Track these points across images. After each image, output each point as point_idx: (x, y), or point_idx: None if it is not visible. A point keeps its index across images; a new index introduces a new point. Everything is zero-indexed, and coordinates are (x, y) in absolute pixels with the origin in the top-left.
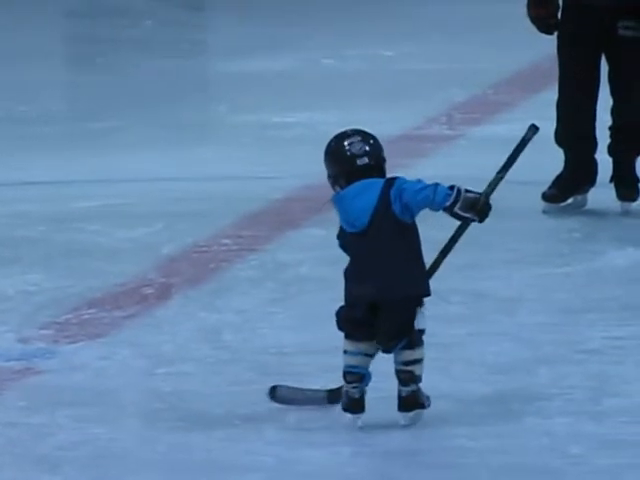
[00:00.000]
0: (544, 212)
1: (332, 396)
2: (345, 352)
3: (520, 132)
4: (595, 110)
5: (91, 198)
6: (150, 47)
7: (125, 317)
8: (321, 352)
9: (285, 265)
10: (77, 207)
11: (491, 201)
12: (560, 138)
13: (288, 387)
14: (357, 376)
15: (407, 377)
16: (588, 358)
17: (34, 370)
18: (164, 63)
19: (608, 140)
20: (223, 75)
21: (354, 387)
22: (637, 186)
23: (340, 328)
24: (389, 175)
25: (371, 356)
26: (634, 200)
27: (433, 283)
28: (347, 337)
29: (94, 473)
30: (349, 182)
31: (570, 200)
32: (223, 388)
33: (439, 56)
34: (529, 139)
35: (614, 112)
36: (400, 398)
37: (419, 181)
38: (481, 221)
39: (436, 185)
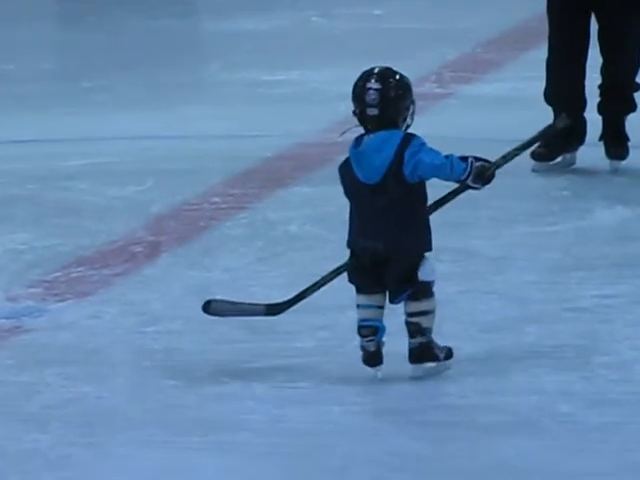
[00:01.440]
0: (533, 170)
1: (271, 309)
2: (358, 306)
3: (510, 91)
4: (585, 69)
5: (81, 156)
6: (141, 7)
7: (114, 275)
8: (310, 311)
9: (274, 223)
10: (67, 165)
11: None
12: (549, 97)
13: (224, 300)
14: (371, 329)
15: (414, 329)
16: (578, 316)
17: (22, 328)
18: (155, 23)
19: (598, 99)
20: (214, 34)
21: (369, 340)
22: (626, 144)
23: (350, 281)
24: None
25: (383, 308)
26: (623, 158)
27: None
28: (358, 291)
29: (82, 431)
30: (362, 125)
31: (559, 159)
32: (212, 346)
33: (429, 15)
34: (558, 128)
35: (604, 71)
36: (410, 350)
37: (437, 153)
38: (483, 187)
39: (451, 160)
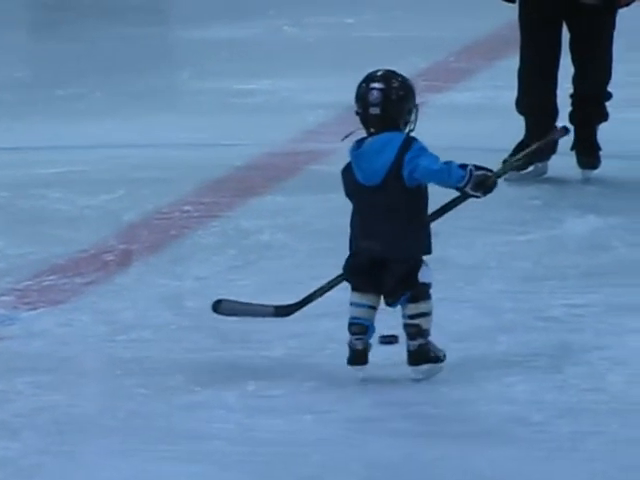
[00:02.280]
0: (505, 180)
1: (280, 311)
2: (351, 304)
3: (481, 100)
4: (556, 78)
5: (53, 165)
6: (113, 15)
7: (86, 284)
8: (282, 320)
9: (246, 232)
10: (39, 173)
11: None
12: (521, 106)
13: (234, 300)
14: (361, 327)
15: (414, 331)
16: (549, 326)
17: None
18: (127, 31)
19: (569, 108)
20: (186, 42)
21: (357, 339)
22: (598, 154)
23: (347, 279)
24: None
25: (375, 308)
26: (595, 168)
27: None
28: (353, 289)
29: (54, 439)
30: (364, 126)
31: (531, 168)
32: (183, 355)
33: (400, 24)
34: (557, 139)
35: (575, 80)
36: (409, 352)
37: (436, 158)
38: (484, 196)
39: (449, 166)
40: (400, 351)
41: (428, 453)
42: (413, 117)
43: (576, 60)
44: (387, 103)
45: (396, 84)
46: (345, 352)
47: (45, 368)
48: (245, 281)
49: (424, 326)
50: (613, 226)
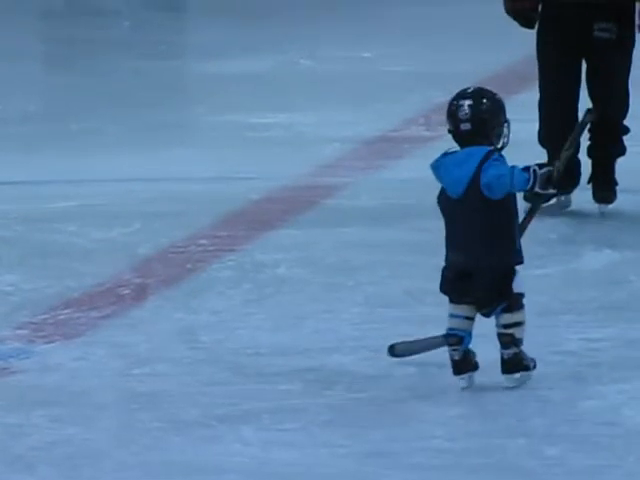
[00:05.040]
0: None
1: (449, 338)
2: (449, 315)
3: None
4: (577, 110)
5: (68, 198)
6: (128, 48)
7: (101, 317)
8: (297, 353)
9: (262, 266)
10: (54, 207)
11: None
12: (543, 138)
13: (404, 342)
14: (456, 338)
15: (507, 340)
16: (565, 360)
17: (9, 370)
18: (142, 64)
19: (588, 142)
20: (201, 76)
21: (454, 349)
22: (614, 189)
23: (441, 291)
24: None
25: (472, 319)
26: (610, 202)
27: (406, 284)
28: (450, 301)
29: (69, 474)
30: (455, 141)
31: (554, 200)
32: (199, 388)
33: (416, 58)
34: (587, 122)
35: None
36: (503, 361)
37: (502, 165)
38: (555, 189)
39: (513, 170)
40: (413, 385)
41: None
42: (505, 131)
43: (593, 93)
44: (477, 118)
45: (485, 99)
46: (358, 384)
47: (60, 402)
48: (261, 315)
49: (517, 335)
50: (630, 260)
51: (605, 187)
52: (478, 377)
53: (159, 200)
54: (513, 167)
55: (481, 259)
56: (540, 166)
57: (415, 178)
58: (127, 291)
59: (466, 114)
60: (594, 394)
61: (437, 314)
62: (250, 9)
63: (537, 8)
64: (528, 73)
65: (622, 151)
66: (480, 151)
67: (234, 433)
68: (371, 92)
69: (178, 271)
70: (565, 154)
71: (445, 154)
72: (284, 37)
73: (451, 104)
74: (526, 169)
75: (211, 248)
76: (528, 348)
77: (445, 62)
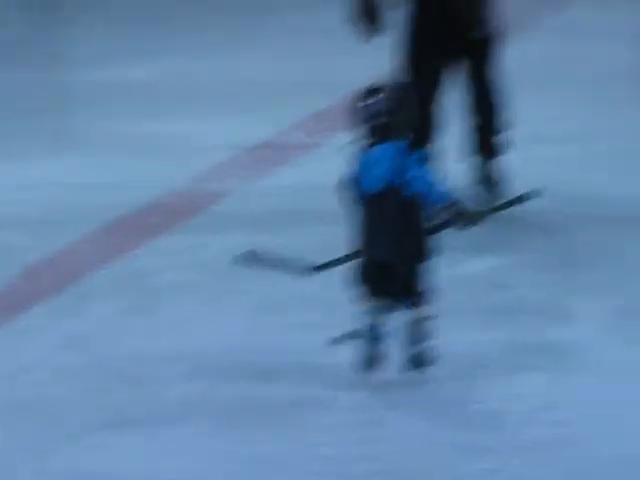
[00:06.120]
0: None
1: (309, 268)
2: (361, 311)
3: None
4: (441, 121)
5: None
6: (10, 58)
7: None
8: (184, 358)
9: (148, 272)
10: None
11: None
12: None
13: (263, 252)
14: (374, 333)
15: (418, 335)
16: (450, 364)
17: None
18: (25, 74)
19: (464, 144)
20: (85, 84)
21: (372, 343)
22: (495, 190)
23: (356, 287)
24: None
25: (385, 314)
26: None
27: (292, 288)
28: (362, 296)
29: None
30: (368, 137)
31: None
32: (85, 395)
33: (298, 65)
34: (526, 199)
35: (470, 114)
36: (412, 356)
37: (428, 171)
38: (461, 230)
39: (436, 185)
40: (301, 391)
41: None
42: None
43: (470, 96)
44: (392, 113)
45: (399, 94)
46: (246, 389)
47: None
48: (146, 322)
49: (427, 329)
50: (512, 265)
51: (486, 189)
52: (370, 384)
53: (47, 207)
54: (439, 182)
55: (398, 253)
56: (461, 203)
57: (297, 184)
58: (13, 297)
59: (381, 109)
60: (481, 398)
61: (323, 319)
62: (129, 18)
63: (383, 22)
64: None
65: (499, 151)
66: (400, 147)
67: (120, 440)
68: (253, 100)
69: (64, 278)
70: (489, 211)
71: (362, 152)
72: (164, 45)
73: (359, 101)
74: (449, 192)
75: (98, 255)
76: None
77: (326, 69)
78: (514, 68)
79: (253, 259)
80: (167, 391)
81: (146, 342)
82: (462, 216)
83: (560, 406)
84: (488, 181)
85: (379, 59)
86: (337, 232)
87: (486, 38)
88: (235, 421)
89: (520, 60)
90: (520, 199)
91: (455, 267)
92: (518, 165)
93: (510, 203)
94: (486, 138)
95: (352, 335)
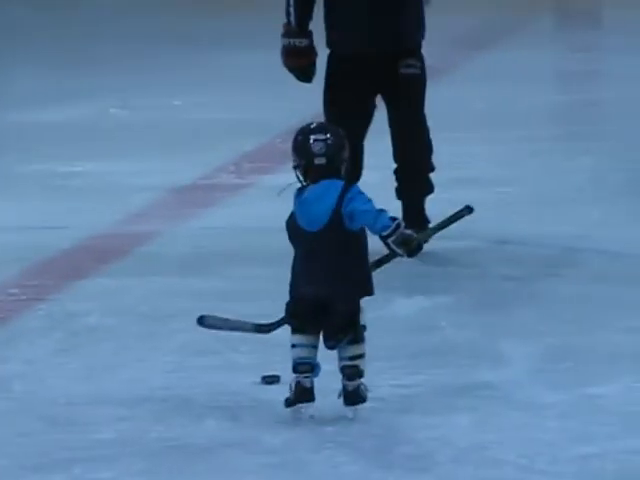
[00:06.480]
0: None
1: (260, 328)
2: (294, 346)
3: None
4: (363, 147)
5: None
6: None
7: None
8: (111, 402)
9: (74, 315)
10: None
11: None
12: None
13: (215, 315)
14: (308, 366)
15: (352, 372)
16: (376, 406)
17: None
18: None
19: (395, 184)
20: (9, 125)
21: (305, 377)
22: (427, 227)
23: (288, 322)
24: None
25: (317, 348)
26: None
27: (218, 331)
28: (295, 331)
29: None
30: (305, 176)
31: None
32: (10, 439)
33: (228, 106)
34: (462, 216)
35: (397, 155)
36: (346, 392)
37: (368, 201)
38: (409, 257)
39: (380, 212)
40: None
41: None
42: (347, 165)
43: (395, 135)
44: (331, 153)
45: (335, 134)
46: (171, 433)
47: None
48: (73, 364)
49: (361, 367)
50: (440, 306)
51: (418, 226)
52: (293, 426)
53: None
54: (382, 210)
55: (337, 292)
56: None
57: (226, 226)
58: None
59: (321, 149)
60: (407, 440)
61: (249, 361)
62: (62, 58)
63: (314, 62)
64: None
65: (431, 189)
66: (337, 184)
67: None
68: (182, 140)
69: None
70: (430, 232)
71: (300, 190)
72: (96, 86)
73: (300, 139)
74: (393, 219)
75: (22, 297)
76: (331, 401)
77: (255, 110)
78: (436, 111)
79: (207, 323)
80: (95, 434)
81: (74, 385)
82: (408, 241)
83: (489, 447)
84: (419, 219)
85: (310, 100)
86: (266, 274)
87: (413, 78)
88: (163, 463)
89: (442, 102)
90: (457, 216)
91: (383, 308)
92: (440, 208)
93: (449, 221)
94: (415, 177)
95: (275, 377)
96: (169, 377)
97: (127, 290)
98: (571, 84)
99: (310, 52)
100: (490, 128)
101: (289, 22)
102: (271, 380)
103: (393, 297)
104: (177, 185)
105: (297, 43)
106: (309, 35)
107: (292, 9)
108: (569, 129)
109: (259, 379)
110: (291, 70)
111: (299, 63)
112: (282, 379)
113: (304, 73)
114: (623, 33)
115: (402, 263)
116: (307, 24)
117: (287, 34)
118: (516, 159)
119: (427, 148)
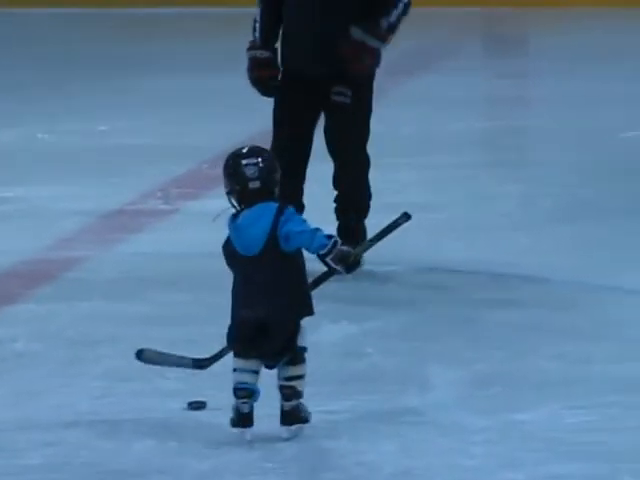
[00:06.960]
0: None
1: (198, 363)
2: (235, 370)
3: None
4: (304, 176)
5: None
6: None
7: None
8: (38, 427)
9: (0, 341)
10: None
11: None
12: None
13: (154, 350)
14: (247, 392)
15: (290, 392)
16: (304, 432)
17: None
18: None
19: (333, 204)
20: None
21: (244, 402)
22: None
23: (230, 347)
24: None
25: (258, 373)
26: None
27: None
28: (236, 355)
29: None
30: (240, 201)
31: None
32: None
33: (154, 131)
34: (400, 224)
35: (335, 180)
36: (283, 412)
37: (303, 222)
38: (348, 273)
39: (316, 232)
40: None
41: None
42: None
43: (333, 159)
44: (265, 176)
45: (267, 158)
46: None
47: None
48: (1, 389)
49: (299, 388)
50: (367, 332)
51: (354, 242)
52: (218, 451)
53: None
54: (317, 229)
55: (276, 314)
56: (343, 245)
57: (152, 251)
58: None
59: (254, 172)
60: (334, 466)
61: (176, 387)
62: None
63: (277, 77)
64: (266, 143)
65: (365, 214)
66: (271, 206)
67: None
68: (108, 166)
69: None
70: (368, 244)
71: (235, 215)
72: (21, 111)
73: (233, 164)
74: (330, 237)
75: None
76: (266, 420)
77: (182, 135)
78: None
79: (145, 358)
80: (22, 459)
81: (1, 410)
82: (346, 257)
83: (415, 473)
84: (355, 240)
85: (237, 124)
86: (192, 299)
87: (341, 106)
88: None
89: (374, 128)
90: (394, 224)
91: (310, 334)
92: (369, 233)
93: (387, 230)
94: (352, 202)
95: (201, 403)
96: (96, 402)
97: (54, 315)
98: (499, 110)
99: (271, 64)
100: (419, 154)
101: (254, 39)
102: (197, 406)
103: (320, 323)
104: (105, 210)
105: (258, 54)
106: (272, 49)
107: (257, 25)
108: (497, 155)
109: (186, 405)
110: (254, 84)
111: (260, 74)
112: (208, 405)
113: (265, 86)
114: (548, 59)
115: (326, 288)
116: (271, 40)
117: (252, 48)
118: (445, 185)
119: (364, 170)
